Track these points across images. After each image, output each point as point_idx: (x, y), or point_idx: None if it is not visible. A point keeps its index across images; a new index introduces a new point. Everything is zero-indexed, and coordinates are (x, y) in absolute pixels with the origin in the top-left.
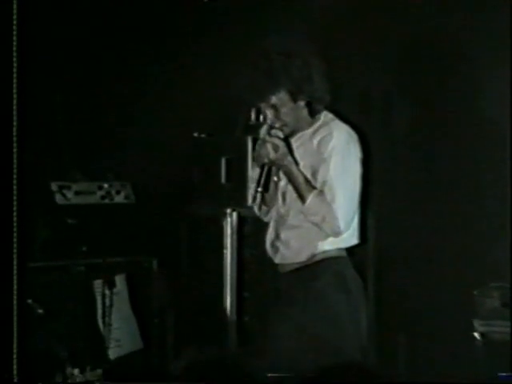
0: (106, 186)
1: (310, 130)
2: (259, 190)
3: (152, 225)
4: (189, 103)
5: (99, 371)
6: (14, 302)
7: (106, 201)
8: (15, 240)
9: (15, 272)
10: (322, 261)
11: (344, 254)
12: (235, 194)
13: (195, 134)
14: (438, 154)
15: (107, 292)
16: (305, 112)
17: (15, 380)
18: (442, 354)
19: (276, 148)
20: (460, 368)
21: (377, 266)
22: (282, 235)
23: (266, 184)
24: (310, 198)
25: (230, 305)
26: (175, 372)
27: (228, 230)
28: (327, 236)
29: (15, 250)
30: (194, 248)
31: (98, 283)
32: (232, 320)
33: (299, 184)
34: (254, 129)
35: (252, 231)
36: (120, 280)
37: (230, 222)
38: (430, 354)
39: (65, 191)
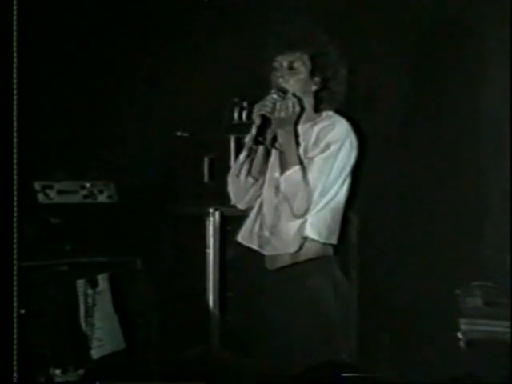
0: (88, 185)
1: (310, 123)
2: (260, 139)
3: (135, 224)
4: (172, 102)
5: (81, 371)
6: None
7: (89, 200)
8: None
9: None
10: (310, 260)
11: (331, 253)
12: (218, 193)
13: (178, 133)
14: (425, 156)
15: (90, 291)
16: (310, 101)
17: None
18: (425, 353)
19: (294, 108)
20: (443, 367)
21: (361, 266)
22: (277, 226)
23: (264, 137)
24: (294, 169)
25: (213, 304)
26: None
27: (211, 229)
28: (309, 225)
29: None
30: (177, 247)
31: (80, 283)
32: (215, 319)
33: (289, 151)
34: (237, 128)
35: (235, 230)
36: (103, 279)
37: (213, 221)
38: (414, 352)
39: (47, 190)
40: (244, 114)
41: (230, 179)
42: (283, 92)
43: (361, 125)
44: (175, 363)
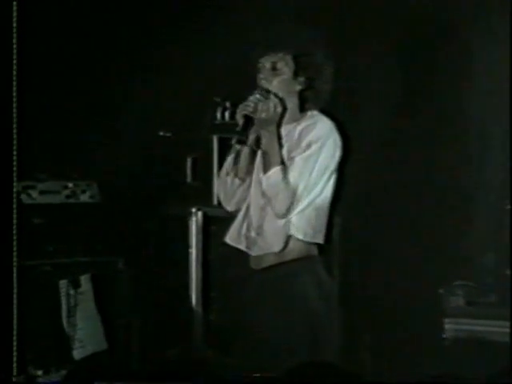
0: (71, 185)
1: (295, 124)
2: (244, 138)
3: (117, 224)
4: (155, 102)
5: (63, 372)
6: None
7: (72, 200)
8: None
9: None
10: (294, 260)
11: (315, 252)
12: (201, 193)
13: (161, 133)
14: (410, 156)
15: (72, 292)
16: (295, 101)
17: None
18: (408, 352)
19: (276, 108)
20: (425, 366)
21: (345, 266)
22: (263, 227)
23: (246, 136)
24: (275, 169)
25: (195, 304)
26: (141, 371)
27: (193, 229)
28: (293, 225)
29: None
30: (159, 247)
31: (63, 283)
32: (198, 319)
33: (272, 152)
34: (219, 128)
35: (218, 230)
36: (85, 280)
37: (196, 221)
38: (397, 351)
39: (30, 191)
40: (227, 114)
41: (218, 181)
42: (267, 92)
43: (346, 124)
44: (158, 363)
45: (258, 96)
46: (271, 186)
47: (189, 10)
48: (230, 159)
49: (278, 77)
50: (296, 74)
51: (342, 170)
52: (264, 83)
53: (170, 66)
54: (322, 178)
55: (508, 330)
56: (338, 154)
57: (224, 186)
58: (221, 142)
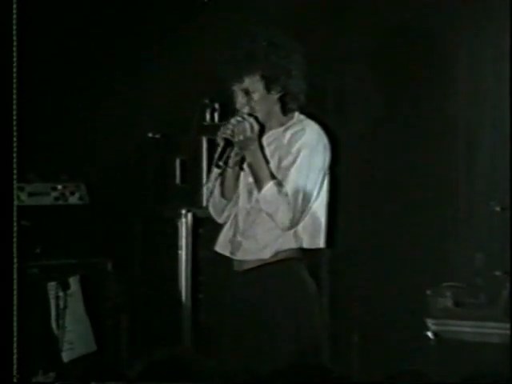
0: (59, 187)
1: (282, 128)
2: (220, 163)
3: (106, 226)
4: (143, 103)
5: (52, 374)
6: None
7: (60, 202)
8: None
9: None
10: (279, 261)
11: (300, 254)
12: (190, 194)
13: (150, 135)
14: (398, 157)
15: (61, 294)
16: (277, 108)
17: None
18: (395, 354)
19: (252, 128)
20: (413, 367)
21: (330, 268)
22: (248, 231)
23: (226, 160)
24: (268, 186)
25: (184, 306)
26: (131, 373)
27: (183, 231)
28: (291, 234)
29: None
30: (148, 249)
31: (51, 285)
32: (187, 321)
33: (260, 169)
34: (208, 129)
35: (207, 232)
36: (74, 282)
37: (185, 222)
38: (384, 352)
39: (18, 193)
40: (216, 116)
41: (207, 200)
42: (246, 114)
43: (333, 126)
44: (147, 364)
45: (238, 118)
46: (269, 202)
47: (177, 13)
48: (213, 178)
49: (252, 100)
50: (269, 90)
51: (330, 171)
52: (242, 109)
53: (159, 68)
54: (316, 184)
55: (496, 331)
56: (328, 157)
57: (213, 203)
58: (210, 143)
